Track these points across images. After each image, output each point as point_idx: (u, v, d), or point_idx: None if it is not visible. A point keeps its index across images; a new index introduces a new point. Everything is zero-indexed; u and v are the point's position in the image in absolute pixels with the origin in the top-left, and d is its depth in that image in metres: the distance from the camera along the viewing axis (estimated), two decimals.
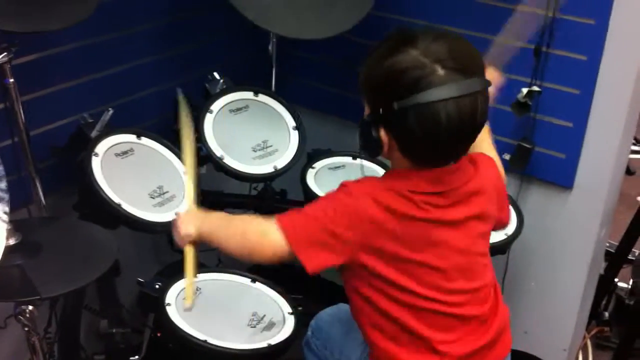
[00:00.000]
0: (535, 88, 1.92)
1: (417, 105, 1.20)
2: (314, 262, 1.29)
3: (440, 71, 1.20)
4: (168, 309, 1.59)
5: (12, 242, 1.38)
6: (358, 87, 1.31)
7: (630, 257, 2.45)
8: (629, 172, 3.50)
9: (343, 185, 1.33)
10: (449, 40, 1.24)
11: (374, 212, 1.27)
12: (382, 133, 1.27)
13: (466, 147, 1.30)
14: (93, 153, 1.67)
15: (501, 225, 1.54)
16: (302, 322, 1.67)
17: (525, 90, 1.91)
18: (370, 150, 1.31)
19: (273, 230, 1.31)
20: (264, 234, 1.33)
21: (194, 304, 1.54)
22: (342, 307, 1.59)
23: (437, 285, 1.32)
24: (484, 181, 1.37)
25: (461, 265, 1.34)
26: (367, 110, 1.30)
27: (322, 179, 2.02)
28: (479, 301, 1.38)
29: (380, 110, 1.25)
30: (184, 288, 1.56)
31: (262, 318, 1.65)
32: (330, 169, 2.08)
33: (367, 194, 1.28)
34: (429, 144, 1.25)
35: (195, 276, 1.52)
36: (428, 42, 1.22)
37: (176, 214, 1.53)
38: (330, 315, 1.67)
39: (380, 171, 2.01)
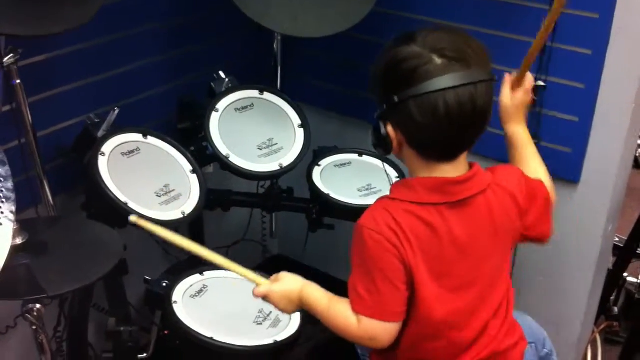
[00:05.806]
0: (541, 83, 1.91)
1: (415, 97, 1.20)
2: None
3: (438, 60, 1.20)
4: (175, 306, 1.61)
5: (18, 241, 1.39)
6: (369, 87, 1.32)
7: (639, 251, 2.44)
8: (638, 166, 3.49)
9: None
10: (449, 32, 1.25)
11: None
12: (390, 129, 1.27)
13: (473, 136, 1.28)
14: (99, 152, 1.68)
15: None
16: (308, 319, 1.67)
17: None
18: (381, 147, 1.31)
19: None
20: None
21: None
22: None
23: None
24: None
25: None
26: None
27: (328, 176, 2.03)
28: None
29: (385, 105, 1.25)
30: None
31: (268, 315, 1.65)
32: (336, 166, 2.08)
33: None
34: (433, 134, 1.24)
35: None
36: (426, 33, 1.23)
37: (254, 293, 1.41)
38: None
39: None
